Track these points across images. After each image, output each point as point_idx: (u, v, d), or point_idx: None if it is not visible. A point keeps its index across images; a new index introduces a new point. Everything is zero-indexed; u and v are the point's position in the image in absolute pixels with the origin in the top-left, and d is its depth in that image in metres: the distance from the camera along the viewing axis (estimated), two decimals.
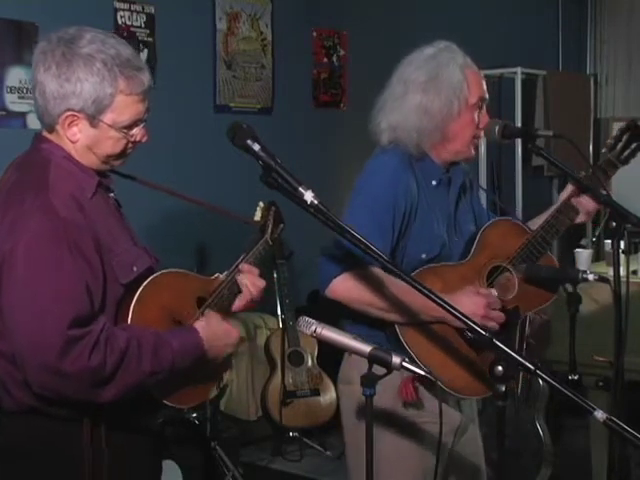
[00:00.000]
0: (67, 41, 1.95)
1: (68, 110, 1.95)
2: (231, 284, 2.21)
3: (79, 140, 1.99)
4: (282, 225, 2.42)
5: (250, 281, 2.21)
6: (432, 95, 2.42)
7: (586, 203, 2.53)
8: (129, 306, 1.97)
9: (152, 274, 2.04)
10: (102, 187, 2.05)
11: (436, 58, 2.46)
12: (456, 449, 2.56)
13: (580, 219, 2.57)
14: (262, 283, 2.23)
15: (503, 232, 2.54)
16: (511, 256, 2.49)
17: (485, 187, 5.69)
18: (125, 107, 1.97)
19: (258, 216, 2.42)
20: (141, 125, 2.02)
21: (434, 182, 2.50)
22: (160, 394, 2.00)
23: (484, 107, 2.50)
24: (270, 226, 2.38)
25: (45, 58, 1.95)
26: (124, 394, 1.90)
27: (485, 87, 2.52)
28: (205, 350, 2.03)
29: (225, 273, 2.23)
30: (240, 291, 2.22)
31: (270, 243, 2.37)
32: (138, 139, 2.03)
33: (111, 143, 2.00)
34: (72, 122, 1.96)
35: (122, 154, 2.04)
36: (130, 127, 2.00)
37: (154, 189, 2.31)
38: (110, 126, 1.97)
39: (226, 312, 2.19)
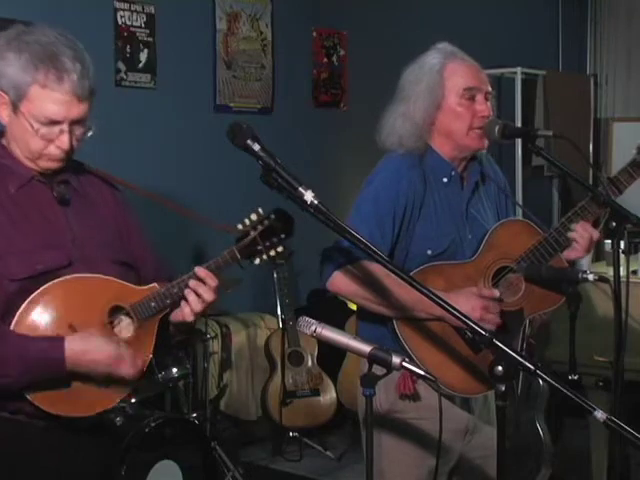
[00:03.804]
0: (20, 31, 2.03)
1: (0, 90, 2.02)
2: (164, 296, 2.07)
3: (7, 125, 2.04)
4: (276, 239, 2.11)
5: (195, 298, 2.07)
6: (411, 100, 2.48)
7: (582, 229, 2.46)
8: (19, 306, 1.96)
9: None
10: (42, 182, 2.07)
11: (420, 62, 2.52)
12: (465, 451, 2.54)
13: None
14: (210, 298, 2.08)
15: (513, 233, 2.52)
16: (519, 257, 2.47)
17: None
18: (40, 100, 1.99)
19: (246, 224, 2.10)
20: (62, 128, 2.01)
21: (445, 179, 2.53)
22: (41, 402, 1.96)
23: (479, 97, 2.47)
24: (252, 238, 2.09)
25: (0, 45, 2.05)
26: None
27: (481, 77, 2.50)
28: (65, 366, 1.94)
29: (167, 284, 2.09)
30: (176, 301, 2.09)
31: (238, 256, 2.09)
32: (56, 144, 2.02)
33: (28, 137, 2.02)
34: (2, 102, 2.03)
35: (43, 154, 2.04)
36: (46, 125, 2.00)
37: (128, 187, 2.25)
38: (25, 117, 2.00)
39: (151, 321, 2.08)
